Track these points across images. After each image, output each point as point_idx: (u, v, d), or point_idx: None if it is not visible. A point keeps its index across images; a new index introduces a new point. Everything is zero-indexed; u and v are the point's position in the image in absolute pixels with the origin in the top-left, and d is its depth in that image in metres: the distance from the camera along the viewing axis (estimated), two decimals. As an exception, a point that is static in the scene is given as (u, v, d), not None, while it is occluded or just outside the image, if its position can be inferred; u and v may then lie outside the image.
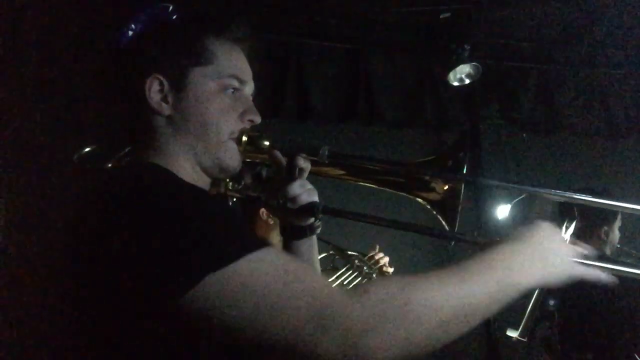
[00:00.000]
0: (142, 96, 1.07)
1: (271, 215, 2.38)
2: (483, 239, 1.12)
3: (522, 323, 2.22)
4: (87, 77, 2.66)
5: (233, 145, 1.11)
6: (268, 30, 3.24)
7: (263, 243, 0.88)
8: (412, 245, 3.73)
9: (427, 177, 1.16)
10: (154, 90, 1.07)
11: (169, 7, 1.19)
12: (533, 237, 1.00)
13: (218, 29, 1.13)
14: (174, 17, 1.18)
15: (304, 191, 1.20)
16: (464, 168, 1.17)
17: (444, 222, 1.21)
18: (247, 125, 1.13)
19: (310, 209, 1.21)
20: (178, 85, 1.08)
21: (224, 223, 0.89)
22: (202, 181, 1.12)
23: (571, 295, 2.42)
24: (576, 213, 2.33)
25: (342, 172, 1.28)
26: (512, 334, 2.24)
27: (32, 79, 2.57)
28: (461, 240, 1.14)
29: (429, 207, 1.22)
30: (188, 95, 1.08)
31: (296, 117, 3.46)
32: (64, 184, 2.50)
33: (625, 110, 3.89)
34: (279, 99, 3.35)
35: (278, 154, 1.19)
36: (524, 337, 2.19)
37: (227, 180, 1.32)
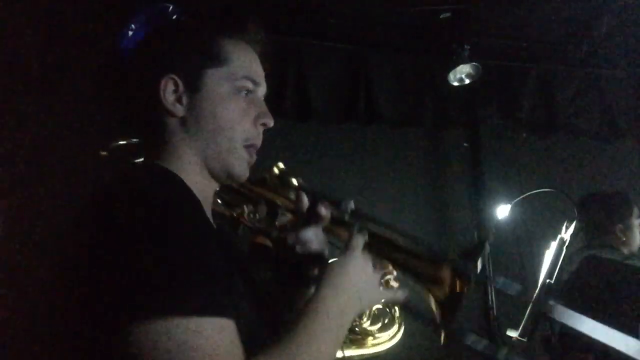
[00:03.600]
0: (157, 97, 1.05)
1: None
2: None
3: (522, 323, 2.22)
4: (89, 77, 2.66)
5: (244, 154, 1.09)
6: (268, 30, 3.23)
7: (221, 309, 0.84)
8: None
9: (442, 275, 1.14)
10: (169, 91, 1.06)
11: (169, 7, 1.18)
12: (348, 275, 1.06)
13: (233, 29, 1.12)
14: (190, 17, 1.18)
15: (317, 240, 1.16)
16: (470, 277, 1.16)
17: (438, 318, 1.19)
18: (261, 130, 1.12)
19: (317, 258, 1.15)
20: (193, 87, 1.06)
21: (200, 264, 0.85)
22: (209, 186, 1.11)
23: (572, 296, 2.42)
24: (576, 213, 2.33)
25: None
26: (512, 334, 2.24)
27: (33, 79, 2.57)
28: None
29: (432, 304, 1.19)
30: (202, 97, 1.06)
31: (296, 117, 3.46)
32: (65, 183, 2.50)
33: (625, 110, 3.89)
34: (279, 99, 3.36)
35: (303, 195, 1.17)
36: (524, 337, 2.19)
37: (246, 208, 1.27)
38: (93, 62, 2.66)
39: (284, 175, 1.15)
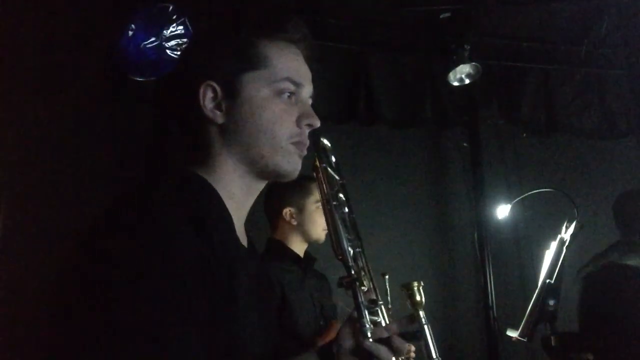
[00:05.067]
0: (197, 104, 1.04)
1: (294, 216, 2.37)
2: None
3: (522, 323, 2.22)
4: (90, 78, 2.66)
5: (291, 150, 1.06)
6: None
7: None
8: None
9: None
10: (208, 98, 1.04)
11: (168, 7, 1.18)
12: None
13: (271, 30, 1.09)
14: (226, 20, 1.16)
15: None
16: None
17: None
18: (306, 130, 1.08)
19: None
20: (231, 92, 1.04)
21: (178, 321, 0.83)
22: (251, 191, 1.10)
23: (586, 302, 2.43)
24: (576, 213, 2.32)
25: None
26: (512, 334, 2.24)
27: (34, 81, 2.56)
28: None
29: None
30: (242, 102, 1.04)
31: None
32: (65, 184, 2.50)
33: (625, 110, 3.89)
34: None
35: (421, 321, 1.13)
36: (524, 337, 2.19)
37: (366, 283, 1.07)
38: (93, 62, 2.66)
39: (415, 294, 1.12)
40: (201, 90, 1.04)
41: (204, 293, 0.89)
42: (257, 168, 1.06)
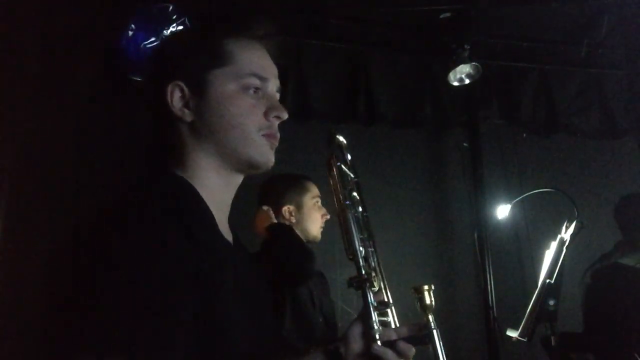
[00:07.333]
0: (165, 104, 1.06)
1: (294, 214, 2.37)
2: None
3: (522, 323, 2.22)
4: (89, 78, 2.66)
5: (262, 142, 1.08)
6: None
7: None
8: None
9: None
10: (176, 97, 1.06)
11: (168, 7, 1.19)
12: None
13: (236, 28, 1.11)
14: (191, 21, 1.17)
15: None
16: None
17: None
18: (274, 122, 1.10)
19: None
20: (198, 90, 1.06)
21: (160, 317, 0.83)
22: (230, 185, 1.11)
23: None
24: (576, 213, 2.33)
25: None
26: (512, 334, 2.24)
27: (34, 81, 2.56)
28: None
29: None
30: (209, 99, 1.06)
31: (296, 118, 3.46)
32: (64, 185, 2.50)
33: (625, 110, 3.88)
34: (279, 100, 3.35)
35: (430, 325, 1.08)
36: (524, 337, 2.19)
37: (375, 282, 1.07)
38: (93, 62, 2.66)
39: (424, 295, 1.10)
40: (168, 90, 1.06)
41: (191, 290, 0.90)
42: (231, 162, 1.08)
